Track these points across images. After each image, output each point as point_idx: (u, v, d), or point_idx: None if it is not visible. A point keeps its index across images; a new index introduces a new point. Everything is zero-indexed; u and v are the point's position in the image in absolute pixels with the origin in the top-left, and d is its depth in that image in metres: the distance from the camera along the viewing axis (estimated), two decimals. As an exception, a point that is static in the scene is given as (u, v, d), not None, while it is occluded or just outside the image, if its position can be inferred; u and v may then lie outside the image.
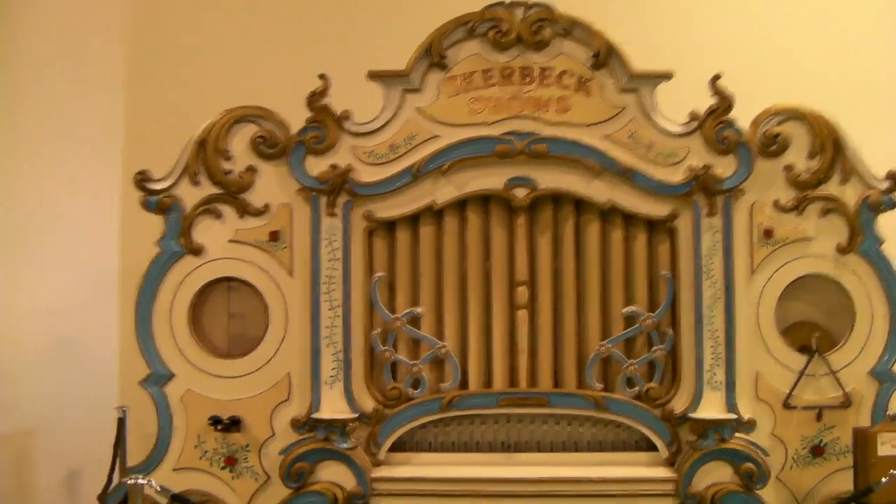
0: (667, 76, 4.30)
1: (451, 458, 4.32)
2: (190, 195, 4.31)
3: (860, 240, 4.34)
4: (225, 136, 4.31)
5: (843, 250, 4.34)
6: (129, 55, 5.63)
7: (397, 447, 4.31)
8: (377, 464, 4.26)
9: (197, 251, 4.31)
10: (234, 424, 4.26)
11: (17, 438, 5.16)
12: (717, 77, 4.29)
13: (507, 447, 4.36)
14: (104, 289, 5.46)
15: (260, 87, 4.77)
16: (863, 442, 4.14)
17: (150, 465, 4.29)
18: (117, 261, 5.49)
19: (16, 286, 5.12)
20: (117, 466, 4.53)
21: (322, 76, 4.28)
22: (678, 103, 4.31)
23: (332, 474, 4.19)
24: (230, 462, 4.29)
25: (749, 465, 4.18)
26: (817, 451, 4.32)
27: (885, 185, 4.35)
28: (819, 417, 4.32)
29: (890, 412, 4.29)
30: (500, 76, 4.30)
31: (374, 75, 4.30)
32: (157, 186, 4.31)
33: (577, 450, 4.35)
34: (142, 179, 4.30)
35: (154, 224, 4.34)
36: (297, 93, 4.29)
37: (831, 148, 4.32)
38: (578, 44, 4.30)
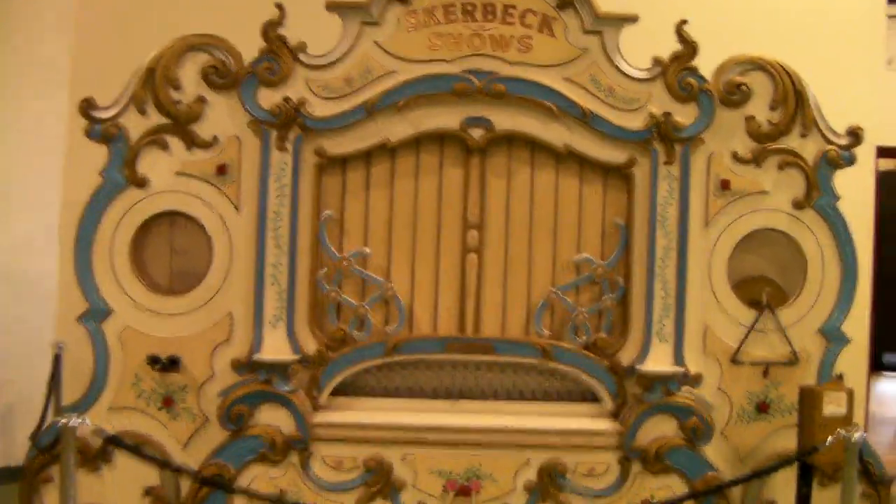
0: (632, 19, 4.22)
1: (394, 403, 4.27)
2: (136, 125, 4.16)
3: (817, 195, 4.31)
4: (175, 64, 4.15)
5: (799, 205, 4.31)
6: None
7: (339, 391, 4.24)
8: (318, 408, 4.19)
9: (141, 183, 4.17)
10: (172, 364, 4.15)
11: (-52, 371, 5.05)
12: (682, 22, 4.22)
13: (451, 394, 4.31)
14: (45, 220, 5.33)
15: (214, 16, 4.67)
16: (809, 400, 4.12)
17: (84, 403, 4.16)
18: (59, 192, 5.31)
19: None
20: (51, 405, 4.46)
21: (279, 5, 4.15)
22: (641, 49, 4.24)
23: (272, 418, 4.12)
24: (167, 403, 4.19)
25: (694, 419, 4.17)
26: (762, 407, 4.31)
27: (844, 140, 4.33)
28: (766, 374, 4.31)
29: (836, 371, 4.30)
30: (462, 12, 4.19)
31: (332, 5, 4.17)
32: (103, 115, 4.15)
33: (522, 399, 4.32)
34: (87, 107, 4.14)
35: (101, 155, 4.18)
36: (252, 22, 4.15)
37: (793, 100, 4.28)
38: None
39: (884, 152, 5.95)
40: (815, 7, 5.45)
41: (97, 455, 4.14)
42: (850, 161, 4.33)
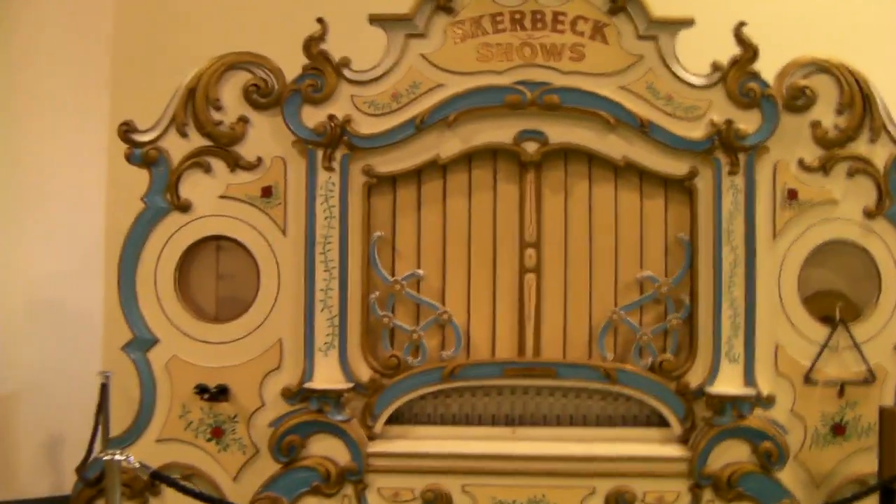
0: (688, 23, 4.07)
1: (451, 431, 4.13)
2: (178, 147, 4.09)
3: (889, 203, 4.14)
4: (216, 84, 4.07)
5: (870, 214, 4.15)
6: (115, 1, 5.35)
7: (395, 419, 4.11)
8: (373, 437, 4.07)
9: (184, 208, 4.09)
10: (221, 393, 4.05)
11: (-1, 403, 4.96)
12: (741, 25, 4.07)
13: (511, 420, 4.17)
14: (90, 249, 5.33)
15: (254, 33, 4.63)
16: (890, 421, 3.93)
17: (131, 435, 4.09)
18: (103, 219, 5.24)
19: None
20: (99, 435, 4.42)
21: (320, 20, 4.05)
22: (699, 53, 4.08)
23: (325, 448, 3.99)
24: (217, 434, 4.09)
25: (768, 444, 3.98)
26: (838, 429, 4.14)
27: (917, 144, 4.14)
28: (841, 394, 4.13)
29: (917, 389, 4.11)
30: (511, 21, 4.07)
31: (376, 19, 4.07)
32: (143, 138, 4.08)
33: (585, 424, 4.17)
34: (126, 130, 4.07)
35: (142, 179, 4.11)
36: (294, 38, 4.06)
37: (860, 104, 4.12)
38: None
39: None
40: (878, 4, 5.25)
41: (145, 488, 4.06)
42: (924, 166, 4.15)
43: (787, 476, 4.04)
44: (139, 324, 4.08)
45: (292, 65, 4.05)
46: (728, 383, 4.04)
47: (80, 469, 4.09)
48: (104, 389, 4.43)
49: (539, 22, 4.07)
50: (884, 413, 3.99)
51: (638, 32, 4.07)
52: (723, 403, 3.99)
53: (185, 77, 4.07)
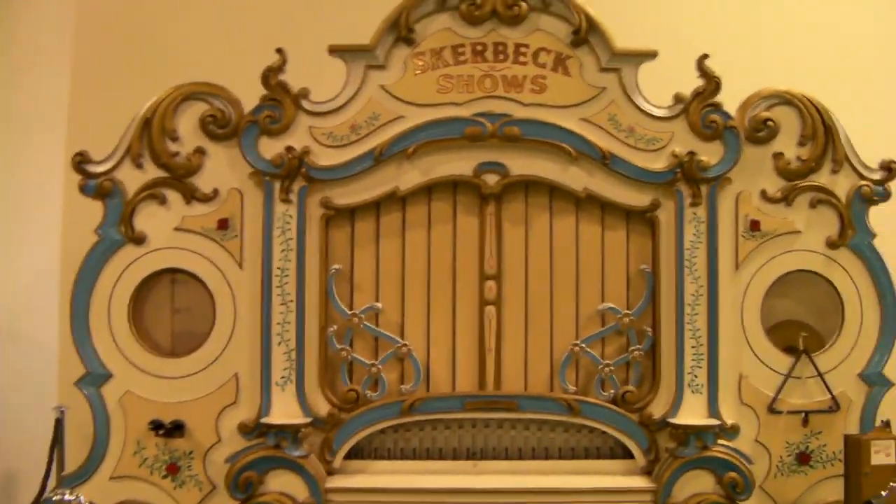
0: (651, 55, 4.06)
1: (412, 466, 4.07)
2: (132, 179, 4.02)
3: (851, 233, 4.13)
4: (172, 114, 4.02)
5: (833, 244, 4.13)
6: (75, 27, 5.26)
7: (354, 454, 4.05)
8: (332, 472, 3.99)
9: (139, 240, 4.02)
10: (176, 429, 3.98)
11: (-50, 437, 4.88)
12: (703, 57, 4.06)
13: (472, 454, 4.11)
14: (45, 280, 5.18)
15: (212, 62, 4.53)
16: (855, 449, 3.92)
17: (85, 472, 4.00)
18: (59, 250, 5.15)
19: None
20: (53, 471, 4.30)
21: (279, 50, 4.01)
22: (662, 86, 4.07)
23: (283, 484, 3.91)
24: (172, 470, 4.01)
25: (733, 474, 3.95)
26: (803, 458, 4.11)
27: (878, 175, 4.16)
28: (805, 423, 4.10)
29: (881, 418, 4.08)
30: (472, 52, 4.05)
31: (336, 50, 4.03)
32: (97, 169, 4.01)
33: (548, 457, 4.11)
34: (80, 161, 4.00)
35: (99, 209, 4.04)
36: (252, 69, 4.01)
37: (822, 135, 4.12)
38: (557, 19, 4.06)
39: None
40: (841, 36, 5.27)
41: (100, 526, 3.97)
42: (885, 196, 4.16)
43: (754, 506, 4.02)
44: (92, 358, 4.00)
45: (250, 95, 4.00)
46: (691, 414, 4.01)
47: (33, 507, 4.00)
48: (59, 424, 4.32)
49: (501, 54, 4.04)
50: (849, 441, 3.98)
51: (600, 64, 4.05)
52: (686, 434, 3.95)
53: (142, 107, 4.01)
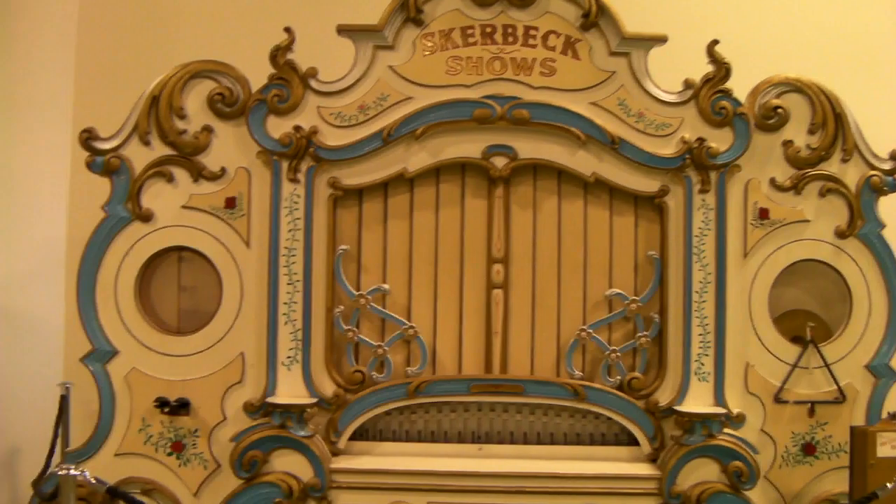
0: (661, 39, 4.03)
1: (416, 448, 4.07)
2: (140, 156, 4.02)
3: (860, 223, 4.12)
4: (179, 92, 4.01)
5: (842, 234, 4.12)
6: (80, 4, 5.25)
7: (359, 435, 4.05)
8: (336, 453, 4.00)
9: (146, 217, 4.02)
10: (182, 407, 3.98)
11: (-45, 413, 4.87)
12: (714, 43, 4.04)
13: (477, 438, 4.11)
14: (51, 257, 5.18)
15: (220, 41, 4.52)
16: (861, 441, 3.91)
17: (90, 449, 4.02)
18: (65, 227, 5.15)
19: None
20: (57, 447, 4.29)
21: (287, 29, 4.00)
22: (672, 71, 4.05)
23: (288, 464, 3.91)
24: (177, 448, 4.02)
25: (738, 463, 3.94)
26: (808, 448, 4.10)
27: (888, 164, 4.14)
28: (811, 413, 4.10)
29: (887, 410, 4.09)
30: (481, 34, 4.03)
31: (344, 30, 4.01)
32: (105, 146, 4.00)
33: (552, 442, 4.11)
34: (88, 138, 3.99)
35: (105, 187, 4.03)
36: (260, 47, 4.00)
37: (833, 124, 4.10)
38: (567, 2, 4.04)
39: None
40: (853, 24, 5.23)
41: (104, 503, 3.94)
42: (895, 187, 4.14)
43: (757, 495, 4.00)
44: (98, 335, 4.01)
45: (258, 74, 3.98)
46: (698, 402, 4.01)
47: (37, 483, 4.00)
48: (64, 400, 4.31)
49: (510, 36, 4.03)
50: (855, 433, 3.97)
51: (610, 48, 4.03)
52: (692, 422, 3.95)
53: (149, 85, 3.99)
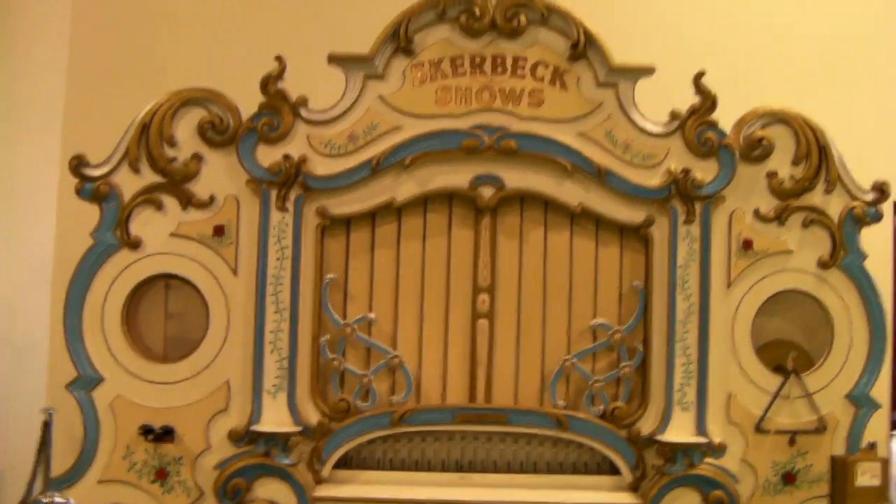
0: (648, 71, 4.06)
1: (400, 477, 4.06)
2: (129, 183, 4.01)
3: (843, 254, 4.15)
4: (170, 120, 4.01)
5: (824, 265, 4.14)
6: (71, 31, 5.26)
7: (343, 464, 4.04)
8: (320, 481, 3.98)
9: (134, 245, 4.01)
10: (166, 434, 3.97)
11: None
12: (700, 74, 4.08)
13: (461, 467, 4.10)
14: (37, 282, 5.16)
15: (211, 69, 4.50)
16: (841, 470, 3.97)
17: (73, 475, 3.99)
18: (52, 252, 5.14)
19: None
20: (40, 474, 4.26)
21: (278, 58, 4.00)
22: (657, 103, 4.08)
23: (271, 492, 3.90)
24: (161, 475, 3.99)
25: (718, 492, 3.96)
26: (789, 478, 4.11)
27: (870, 196, 4.18)
28: (792, 442, 4.11)
29: (867, 439, 4.12)
30: (471, 64, 4.05)
31: (335, 59, 4.02)
32: (94, 173, 4.00)
33: (536, 471, 4.11)
34: (78, 164, 3.98)
35: (92, 212, 4.03)
36: (251, 76, 4.00)
37: (817, 155, 4.13)
38: (556, 33, 4.06)
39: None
40: (831, 57, 5.30)
41: (88, 529, 3.95)
42: (877, 218, 4.18)
43: (739, 524, 4.01)
44: (84, 362, 3.98)
45: (249, 102, 3.99)
46: (680, 431, 4.01)
47: (19, 510, 3.97)
48: (46, 427, 4.30)
49: (499, 66, 4.05)
50: (835, 462, 4.01)
51: (598, 79, 4.05)
52: (674, 451, 3.96)
53: (140, 112, 4.00)
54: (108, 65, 5.16)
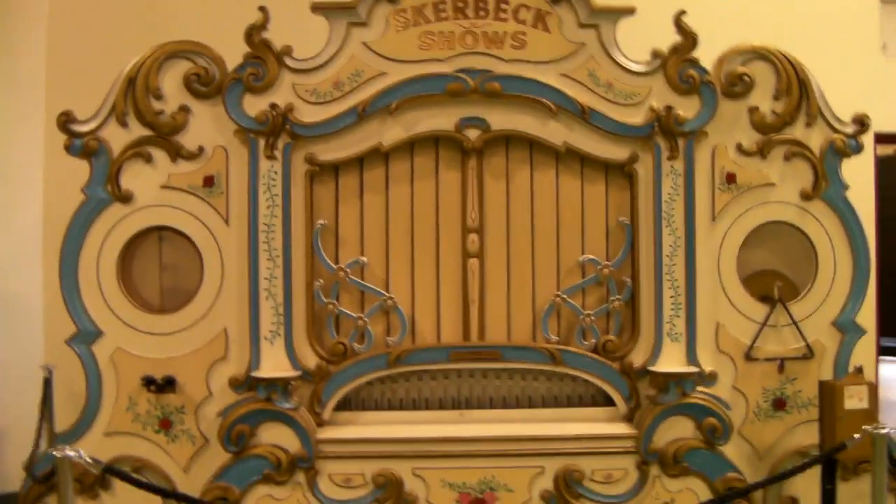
0: (629, 11, 4.10)
1: (399, 416, 4.14)
2: (118, 138, 4.03)
3: (825, 185, 4.21)
4: (156, 73, 4.03)
5: (807, 196, 4.21)
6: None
7: (343, 406, 4.12)
8: (321, 424, 4.06)
9: (126, 198, 4.04)
10: (168, 385, 4.03)
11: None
12: (681, 13, 4.11)
13: (458, 404, 4.18)
14: (28, 240, 5.17)
15: (194, 21, 4.49)
16: (829, 395, 4.03)
17: (78, 430, 4.05)
18: (41, 210, 5.15)
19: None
20: (44, 430, 4.32)
21: (262, 8, 4.02)
22: (639, 43, 4.12)
23: (275, 436, 3.98)
24: (165, 425, 4.06)
25: (711, 419, 4.06)
26: (779, 403, 4.22)
27: (850, 128, 4.24)
28: (781, 369, 4.21)
29: (854, 364, 4.20)
30: (453, 9, 4.08)
31: (318, 7, 4.05)
32: (82, 129, 4.02)
33: (531, 405, 4.20)
34: (66, 121, 4.01)
35: (80, 168, 4.05)
36: (235, 27, 4.02)
37: (797, 90, 4.19)
38: None
39: (881, 139, 5.84)
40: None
41: (95, 482, 4.02)
42: (858, 149, 4.25)
43: (731, 450, 4.11)
44: (82, 317, 4.03)
45: (234, 53, 4.01)
46: (671, 362, 4.10)
47: (28, 465, 4.03)
48: (47, 383, 4.35)
49: (482, 10, 4.08)
50: (823, 387, 4.10)
51: (579, 21, 4.09)
52: (666, 381, 4.05)
53: (125, 66, 4.01)
54: (89, 19, 5.15)
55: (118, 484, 3.99)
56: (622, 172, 4.17)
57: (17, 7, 5.21)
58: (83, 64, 5.01)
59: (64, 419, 4.20)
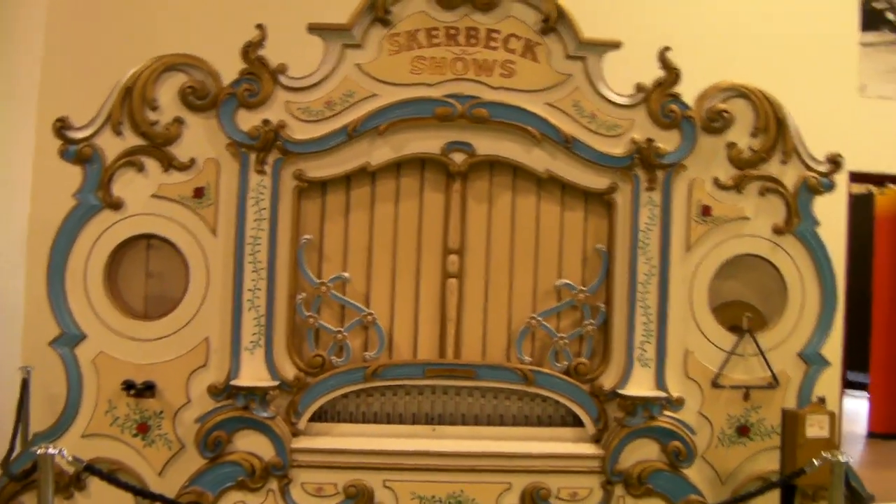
0: (615, 45, 4.21)
1: (373, 429, 4.22)
2: (112, 146, 4.09)
3: (797, 221, 4.33)
4: (153, 84, 4.09)
5: (779, 231, 4.33)
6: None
7: (318, 417, 4.18)
8: (297, 434, 4.12)
9: (116, 205, 4.09)
10: (147, 389, 4.07)
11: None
12: (665, 49, 4.22)
13: (431, 420, 4.26)
14: (11, 243, 5.19)
15: (192, 35, 4.57)
16: (791, 423, 4.14)
17: (57, 430, 4.07)
18: (27, 214, 5.18)
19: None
20: (20, 431, 4.35)
21: (259, 26, 4.10)
22: (624, 76, 4.23)
23: (250, 444, 4.04)
24: (142, 429, 4.10)
25: (676, 443, 4.16)
26: (743, 430, 4.33)
27: (824, 167, 4.36)
28: (746, 397, 4.31)
29: (817, 394, 4.31)
30: (445, 35, 4.17)
31: (315, 28, 4.12)
32: (77, 135, 4.07)
33: (502, 423, 4.28)
34: (61, 127, 4.05)
35: (68, 174, 4.09)
36: (232, 43, 4.09)
37: (774, 128, 4.31)
38: (528, 7, 4.20)
39: (857, 177, 6.01)
40: (791, 34, 5.48)
41: (71, 483, 4.06)
42: (830, 187, 4.37)
43: (695, 473, 4.21)
44: (67, 319, 4.07)
45: (230, 69, 4.08)
46: (640, 386, 4.20)
47: (5, 464, 4.06)
48: (25, 384, 4.38)
49: (473, 38, 4.18)
50: (786, 415, 4.20)
51: (567, 52, 4.20)
52: (634, 405, 4.15)
53: (123, 76, 4.07)
54: (86, 28, 5.19)
55: (93, 485, 4.02)
56: (601, 201, 4.27)
57: (15, 14, 5.25)
58: (77, 73, 5.06)
59: (39, 420, 4.23)
